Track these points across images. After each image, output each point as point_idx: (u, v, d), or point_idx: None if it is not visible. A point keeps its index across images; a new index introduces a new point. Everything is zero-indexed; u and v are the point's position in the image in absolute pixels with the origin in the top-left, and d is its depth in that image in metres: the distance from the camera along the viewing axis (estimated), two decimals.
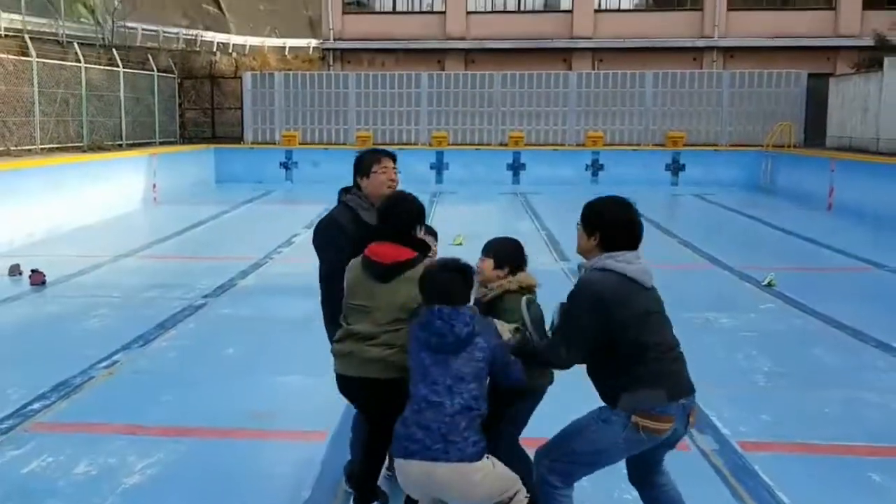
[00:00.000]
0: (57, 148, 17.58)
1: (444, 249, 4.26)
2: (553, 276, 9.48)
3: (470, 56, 27.52)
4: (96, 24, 26.47)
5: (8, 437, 5.27)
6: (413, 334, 3.55)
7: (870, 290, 10.28)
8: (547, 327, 3.59)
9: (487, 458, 3.46)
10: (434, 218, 13.70)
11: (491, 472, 3.45)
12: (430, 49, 27.29)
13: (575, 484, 3.59)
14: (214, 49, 35.61)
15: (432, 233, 4.27)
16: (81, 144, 18.68)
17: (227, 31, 41.87)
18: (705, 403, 5.85)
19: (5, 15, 21.82)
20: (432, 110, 24.92)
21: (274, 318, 8.51)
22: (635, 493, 3.78)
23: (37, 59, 17.01)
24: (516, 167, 23.46)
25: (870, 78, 19.76)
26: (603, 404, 3.52)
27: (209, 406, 5.87)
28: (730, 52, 26.61)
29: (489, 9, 27.75)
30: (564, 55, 27.18)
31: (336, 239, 4.20)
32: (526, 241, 4.13)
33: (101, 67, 20.73)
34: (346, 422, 4.83)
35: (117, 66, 20.98)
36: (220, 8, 45.25)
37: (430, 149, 24.02)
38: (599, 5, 27.20)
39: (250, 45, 39.79)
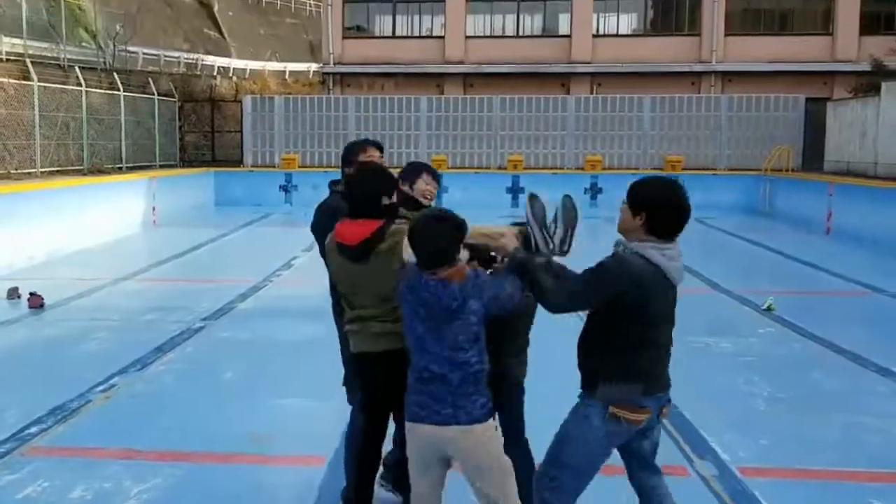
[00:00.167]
0: (57, 171, 17.63)
1: None
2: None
3: (469, 80, 27.65)
4: (98, 49, 26.63)
5: (4, 462, 5.24)
6: (403, 296, 3.50)
7: (869, 315, 10.27)
8: (549, 221, 3.53)
9: (494, 418, 3.52)
10: None
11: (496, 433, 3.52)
12: (430, 73, 27.43)
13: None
14: (215, 73, 35.80)
15: (436, 177, 4.41)
16: (81, 167, 18.75)
17: (228, 55, 42.10)
18: (705, 428, 5.85)
19: (7, 39, 21.95)
20: (431, 134, 25.01)
21: (273, 341, 8.48)
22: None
23: (38, 83, 17.10)
24: (515, 191, 23.49)
25: (867, 103, 19.85)
26: (580, 392, 3.54)
27: (207, 430, 5.85)
28: (728, 77, 26.75)
29: (488, 33, 27.91)
30: (563, 79, 27.32)
31: (333, 223, 4.24)
32: None
33: (102, 91, 20.84)
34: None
35: (118, 90, 21.09)
36: (221, 32, 45.51)
37: None
38: (598, 30, 27.37)
39: (251, 69, 40.00)
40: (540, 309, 3.65)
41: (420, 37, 28.13)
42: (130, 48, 29.00)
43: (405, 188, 4.36)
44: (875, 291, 11.44)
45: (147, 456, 5.34)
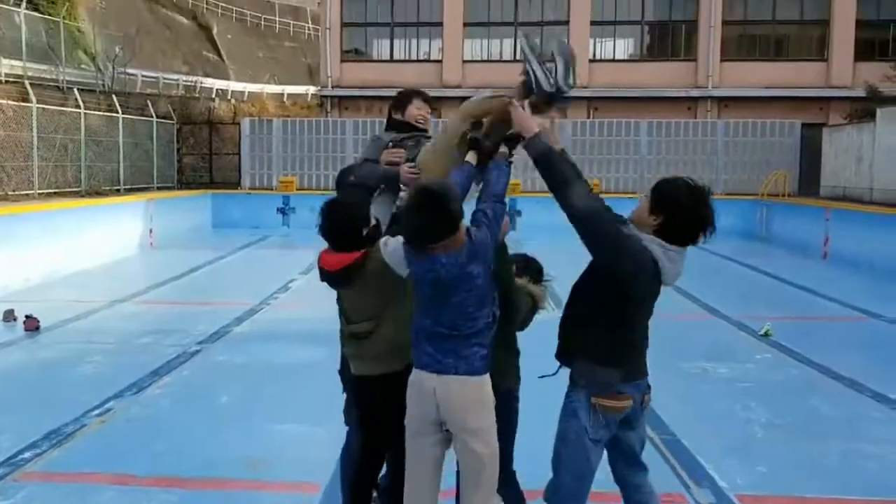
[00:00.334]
0: (54, 193, 17.64)
1: None
2: (548, 324, 9.46)
3: None
4: (97, 71, 26.71)
5: None
6: (407, 255, 3.50)
7: (866, 341, 10.27)
8: (547, 55, 3.54)
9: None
10: None
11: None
12: None
13: None
14: (213, 95, 35.92)
15: (427, 100, 4.47)
16: (79, 189, 18.76)
17: (227, 78, 42.29)
18: (702, 454, 5.83)
19: (6, 61, 22.03)
20: None
21: (269, 365, 8.46)
22: None
23: (37, 105, 17.15)
24: (512, 214, 23.53)
25: (863, 128, 19.96)
26: (566, 393, 3.60)
27: (202, 455, 5.82)
28: (724, 102, 26.89)
29: (486, 58, 28.07)
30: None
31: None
32: None
33: (101, 113, 20.90)
34: None
35: (117, 112, 21.15)
36: (219, 55, 45.74)
37: None
38: (594, 55, 27.53)
39: (249, 92, 40.17)
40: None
41: (418, 60, 28.28)
42: (129, 70, 29.10)
43: (397, 116, 4.45)
44: (871, 317, 11.44)
45: (142, 481, 5.31)
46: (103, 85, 25.74)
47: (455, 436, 3.53)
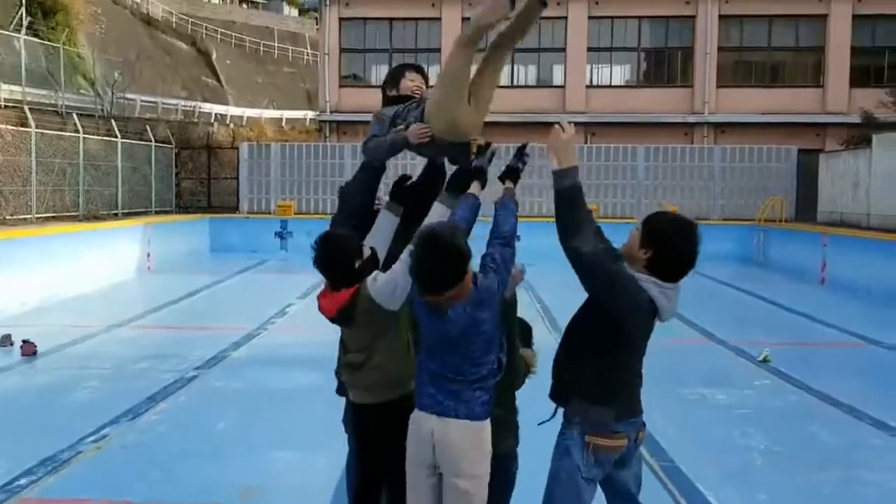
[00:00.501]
0: (52, 217, 17.65)
1: None
2: (545, 348, 9.44)
3: None
4: (96, 96, 26.82)
5: None
6: (419, 310, 3.48)
7: (864, 367, 10.26)
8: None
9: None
10: None
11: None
12: None
13: None
14: (212, 120, 36.05)
15: (420, 71, 4.47)
16: (77, 214, 18.76)
17: (226, 103, 42.47)
18: (701, 481, 5.81)
19: (6, 86, 22.09)
20: None
21: (266, 390, 8.43)
22: None
23: (35, 130, 17.19)
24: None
25: (859, 154, 20.04)
26: (560, 430, 3.56)
27: (199, 482, 5.78)
28: (720, 128, 27.01)
29: None
30: None
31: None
32: (519, 312, 4.03)
33: (100, 138, 20.95)
34: (339, 498, 4.75)
35: (115, 137, 21.20)
36: (218, 80, 45.97)
37: None
38: (591, 81, 27.69)
39: (248, 117, 40.31)
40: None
41: None
42: (128, 95, 29.22)
43: (392, 93, 4.45)
44: (870, 343, 11.44)
45: None
46: (102, 110, 25.83)
47: (445, 479, 3.45)
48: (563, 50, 27.35)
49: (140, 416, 7.44)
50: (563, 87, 27.55)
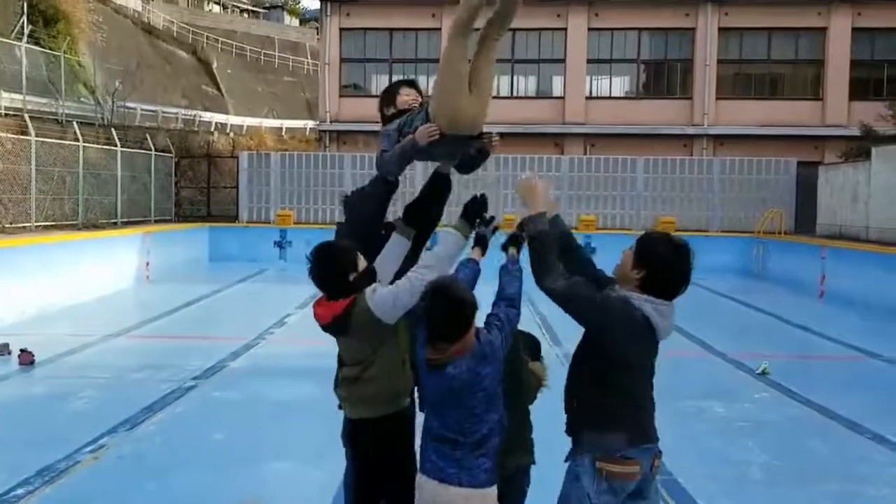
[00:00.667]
0: (52, 226, 17.64)
1: None
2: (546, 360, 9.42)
3: None
4: (96, 104, 26.86)
5: None
6: (421, 369, 3.47)
7: (864, 380, 10.24)
8: None
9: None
10: None
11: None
12: None
13: None
14: (212, 129, 36.09)
15: (413, 85, 4.52)
16: (76, 222, 18.76)
17: (226, 112, 42.54)
18: (700, 495, 5.79)
19: (6, 94, 22.13)
20: None
21: (263, 401, 8.41)
22: None
23: (35, 138, 17.20)
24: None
25: (858, 167, 20.08)
26: (569, 457, 3.51)
27: (195, 493, 5.77)
28: (719, 140, 27.04)
29: None
30: (557, 140, 27.59)
31: None
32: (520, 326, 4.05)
33: (99, 146, 20.96)
34: None
35: (115, 146, 21.22)
36: (219, 89, 46.06)
37: None
38: (591, 92, 27.74)
39: (248, 126, 40.38)
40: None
41: None
42: (128, 104, 29.27)
43: (389, 111, 4.50)
44: (869, 356, 11.43)
45: None
46: (102, 118, 25.87)
47: None
48: (563, 61, 27.42)
49: (137, 426, 7.42)
50: (562, 98, 27.60)
